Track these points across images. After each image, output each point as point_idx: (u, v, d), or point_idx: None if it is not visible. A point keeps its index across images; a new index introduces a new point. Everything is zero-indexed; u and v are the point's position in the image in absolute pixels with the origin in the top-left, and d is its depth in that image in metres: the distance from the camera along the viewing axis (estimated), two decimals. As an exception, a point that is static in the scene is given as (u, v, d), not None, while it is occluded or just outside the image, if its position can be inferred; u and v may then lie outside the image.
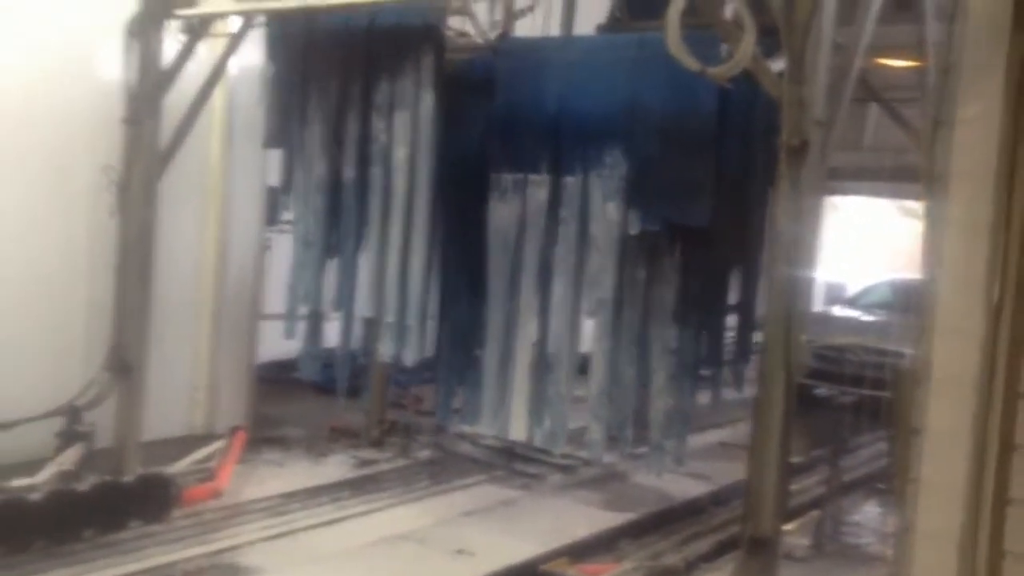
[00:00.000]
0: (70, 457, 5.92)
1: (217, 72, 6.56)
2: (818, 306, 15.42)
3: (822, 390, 11.62)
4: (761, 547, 4.09)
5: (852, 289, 15.45)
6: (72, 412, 6.13)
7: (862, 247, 18.26)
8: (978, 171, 1.68)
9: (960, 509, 1.61)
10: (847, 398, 11.29)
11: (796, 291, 4.27)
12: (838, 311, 13.32)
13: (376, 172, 6.05)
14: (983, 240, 1.63)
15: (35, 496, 5.37)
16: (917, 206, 13.96)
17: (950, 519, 1.61)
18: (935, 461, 1.65)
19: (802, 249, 4.36)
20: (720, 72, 4.18)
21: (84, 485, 5.64)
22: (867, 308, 13.03)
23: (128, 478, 5.94)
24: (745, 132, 5.56)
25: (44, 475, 5.67)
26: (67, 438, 6.07)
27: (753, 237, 6.00)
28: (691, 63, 4.13)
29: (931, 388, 1.64)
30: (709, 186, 5.36)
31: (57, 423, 6.10)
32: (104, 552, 5.35)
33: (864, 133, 9.44)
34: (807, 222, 4.38)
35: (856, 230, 18.13)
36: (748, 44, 4.05)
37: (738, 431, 9.81)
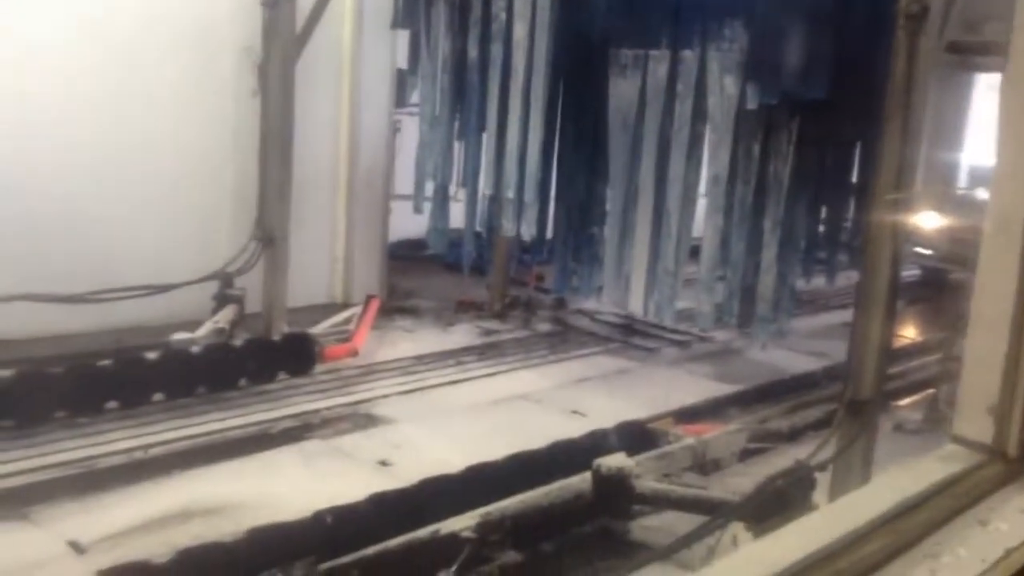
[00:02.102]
0: (224, 317, 6.55)
1: (348, -45, 6.80)
2: (961, 188, 14.79)
3: (958, 273, 11.34)
4: (860, 409, 4.23)
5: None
6: (225, 277, 6.74)
7: None
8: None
9: (1004, 339, 1.77)
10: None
11: (906, 166, 4.25)
12: (982, 194, 12.80)
13: (496, 50, 6.19)
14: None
15: (196, 348, 6.02)
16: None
17: (995, 347, 1.78)
18: (984, 296, 1.81)
19: (917, 125, 4.31)
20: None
21: (237, 341, 6.27)
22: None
23: (275, 336, 6.55)
24: (872, 2, 5.42)
25: (202, 331, 6.32)
26: (221, 300, 6.71)
27: (877, 113, 5.89)
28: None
29: (987, 227, 1.78)
30: (830, 58, 5.29)
31: (212, 287, 6.73)
32: (255, 399, 5.99)
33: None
34: (925, 97, 4.31)
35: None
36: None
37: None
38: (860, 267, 4.62)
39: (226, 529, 4.20)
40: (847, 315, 9.57)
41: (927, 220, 11.48)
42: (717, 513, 4.01)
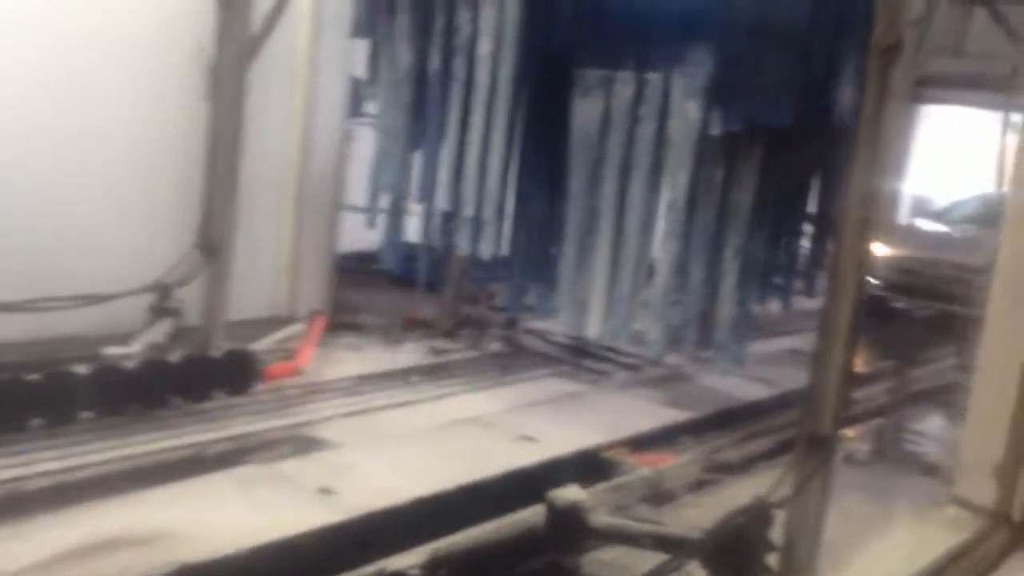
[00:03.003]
0: (160, 330, 6.25)
1: (308, -41, 6.59)
2: (903, 218, 15.05)
3: (901, 303, 11.52)
4: (819, 445, 4.14)
5: (940, 203, 15.02)
6: (162, 288, 6.44)
7: (954, 160, 17.63)
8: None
9: (1013, 396, 1.65)
10: (925, 312, 11.16)
11: (874, 199, 4.20)
12: (924, 224, 13.01)
13: (459, 64, 6.03)
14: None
15: (128, 364, 5.72)
16: (1019, 119, 13.38)
17: (1002, 405, 1.66)
18: (993, 350, 1.69)
19: (885, 157, 4.26)
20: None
21: (173, 357, 5.98)
22: (954, 222, 12.72)
23: (214, 352, 6.27)
24: (838, 31, 5.39)
25: (136, 346, 6.01)
26: (157, 313, 6.39)
27: (837, 143, 5.88)
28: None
29: (997, 277, 1.66)
30: (796, 85, 5.24)
31: (148, 298, 6.42)
32: (191, 419, 5.70)
33: (967, 38, 8.97)
34: (894, 129, 4.26)
35: (949, 142, 17.48)
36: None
37: (808, 339, 9.80)
38: (823, 297, 4.55)
39: (157, 560, 3.95)
40: (794, 341, 9.65)
41: (871, 249, 11.63)
42: (676, 551, 3.88)
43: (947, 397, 7.67)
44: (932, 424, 7.12)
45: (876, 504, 5.01)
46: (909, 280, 11.35)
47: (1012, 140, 8.14)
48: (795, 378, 8.03)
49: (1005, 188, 7.05)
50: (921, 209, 16.05)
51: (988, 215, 11.89)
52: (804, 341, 9.70)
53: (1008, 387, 1.56)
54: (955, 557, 1.44)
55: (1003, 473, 1.57)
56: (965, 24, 8.82)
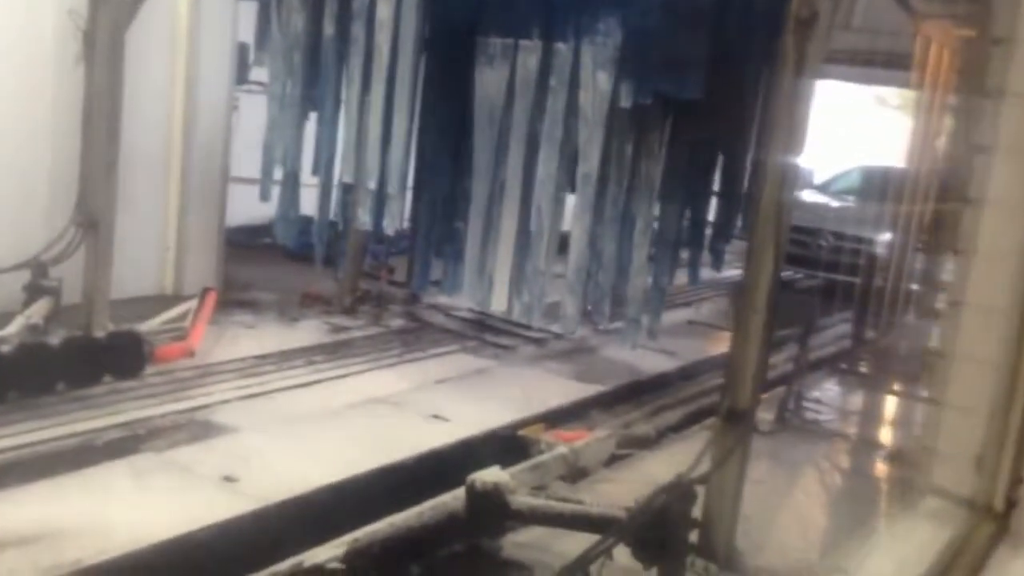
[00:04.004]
0: (38, 311, 5.80)
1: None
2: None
3: (788, 272, 11.84)
4: (738, 419, 4.15)
5: (821, 175, 15.50)
6: (38, 266, 5.98)
7: (832, 133, 18.21)
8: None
9: (994, 382, 1.61)
10: (811, 281, 11.52)
11: (790, 171, 4.22)
12: (807, 196, 13.39)
13: (357, 29, 5.76)
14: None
15: (5, 348, 5.28)
16: (898, 95, 13.86)
17: (982, 392, 1.62)
18: (973, 335, 1.65)
19: (799, 129, 4.27)
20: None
21: (55, 339, 5.56)
22: (836, 194, 13.14)
23: (100, 334, 5.86)
24: (746, 6, 5.40)
25: (12, 328, 5.57)
26: (34, 292, 5.93)
27: (743, 117, 5.92)
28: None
29: (975, 261, 1.61)
30: (705, 59, 5.21)
31: (23, 277, 5.96)
32: (78, 406, 5.32)
33: (854, 13, 9.20)
34: (806, 102, 4.27)
35: (827, 115, 18.03)
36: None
37: (705, 310, 9.99)
38: (729, 270, 4.56)
39: (44, 562, 3.64)
40: (691, 312, 9.80)
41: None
42: (601, 531, 3.82)
43: (842, 365, 7.93)
44: (828, 392, 7.31)
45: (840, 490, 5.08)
46: (793, 251, 11.67)
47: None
48: (696, 349, 8.18)
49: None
50: (803, 181, 16.54)
51: (868, 187, 12.36)
52: (700, 312, 9.89)
53: (988, 374, 1.52)
54: (946, 558, 1.41)
55: (983, 462, 1.54)
56: (853, -1, 9.03)
